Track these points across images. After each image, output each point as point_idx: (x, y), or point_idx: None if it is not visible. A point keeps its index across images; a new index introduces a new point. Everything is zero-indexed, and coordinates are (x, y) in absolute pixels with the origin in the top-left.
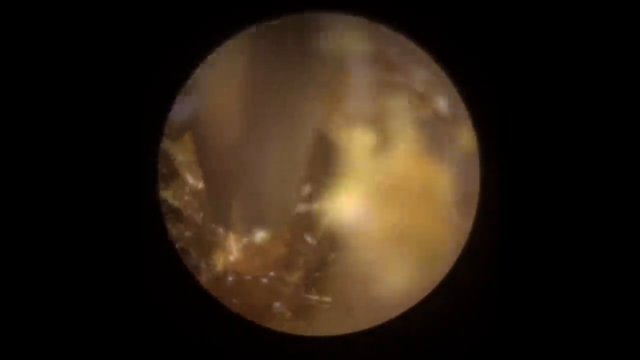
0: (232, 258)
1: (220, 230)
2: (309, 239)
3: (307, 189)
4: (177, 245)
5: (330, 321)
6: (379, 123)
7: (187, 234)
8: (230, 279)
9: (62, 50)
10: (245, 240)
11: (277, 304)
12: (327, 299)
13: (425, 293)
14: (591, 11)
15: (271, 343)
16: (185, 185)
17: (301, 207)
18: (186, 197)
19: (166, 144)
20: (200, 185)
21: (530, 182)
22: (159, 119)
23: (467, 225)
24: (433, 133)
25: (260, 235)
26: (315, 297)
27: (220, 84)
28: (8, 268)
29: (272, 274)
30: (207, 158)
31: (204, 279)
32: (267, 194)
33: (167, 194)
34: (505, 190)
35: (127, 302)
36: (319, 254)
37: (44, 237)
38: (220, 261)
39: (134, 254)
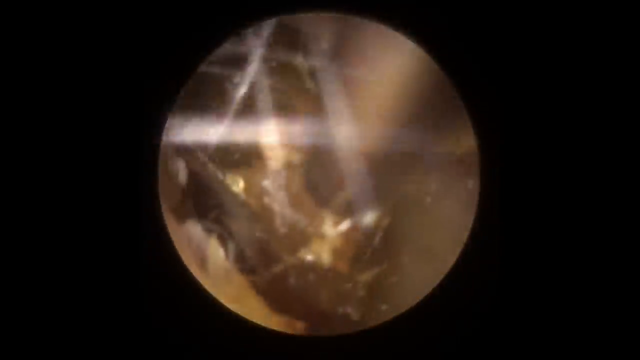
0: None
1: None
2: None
3: None
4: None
5: None
6: None
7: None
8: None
9: (63, 51)
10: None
11: (341, 308)
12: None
13: (424, 293)
14: (591, 12)
15: (270, 343)
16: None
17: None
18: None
19: None
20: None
21: (529, 182)
22: (160, 118)
23: (467, 224)
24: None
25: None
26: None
27: None
28: (7, 265)
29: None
30: None
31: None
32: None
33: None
34: (505, 190)
35: (125, 302)
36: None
37: (42, 236)
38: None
39: (133, 253)
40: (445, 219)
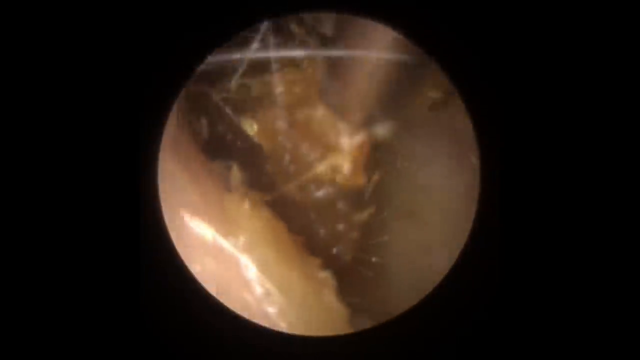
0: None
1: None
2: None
3: None
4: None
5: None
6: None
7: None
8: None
9: (64, 49)
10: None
11: (336, 248)
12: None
13: (424, 293)
14: (590, 15)
15: (270, 343)
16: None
17: None
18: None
19: None
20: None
21: (529, 182)
22: (160, 116)
23: (467, 225)
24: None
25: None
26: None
27: None
28: (7, 264)
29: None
30: None
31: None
32: None
33: None
34: (505, 190)
35: (125, 301)
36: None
37: (43, 235)
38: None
39: (133, 253)
40: (433, 187)
